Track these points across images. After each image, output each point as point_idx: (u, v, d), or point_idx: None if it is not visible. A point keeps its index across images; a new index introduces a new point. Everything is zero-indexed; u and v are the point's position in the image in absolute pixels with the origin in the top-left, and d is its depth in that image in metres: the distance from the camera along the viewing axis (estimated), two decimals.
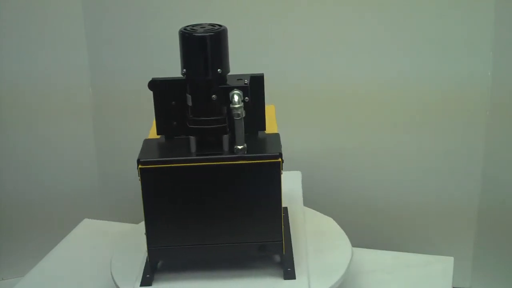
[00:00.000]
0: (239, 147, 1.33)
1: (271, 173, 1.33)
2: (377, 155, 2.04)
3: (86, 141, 2.17)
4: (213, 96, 1.34)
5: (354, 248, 1.60)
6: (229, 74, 1.40)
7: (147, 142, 1.43)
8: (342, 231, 1.61)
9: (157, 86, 1.39)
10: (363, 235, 1.96)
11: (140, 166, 1.32)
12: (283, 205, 1.64)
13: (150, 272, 1.41)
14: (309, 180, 1.90)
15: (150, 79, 1.40)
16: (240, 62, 1.84)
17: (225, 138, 1.36)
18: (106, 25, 2.08)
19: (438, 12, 1.88)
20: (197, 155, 1.35)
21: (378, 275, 1.73)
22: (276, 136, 1.42)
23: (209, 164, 1.33)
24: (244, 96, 1.34)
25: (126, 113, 2.12)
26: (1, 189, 2.13)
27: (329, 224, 1.66)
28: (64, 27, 2.06)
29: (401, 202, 2.04)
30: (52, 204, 2.18)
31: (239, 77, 1.39)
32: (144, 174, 1.33)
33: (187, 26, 1.35)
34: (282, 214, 1.37)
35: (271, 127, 1.47)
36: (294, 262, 1.44)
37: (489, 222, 2.00)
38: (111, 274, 1.46)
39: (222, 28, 1.35)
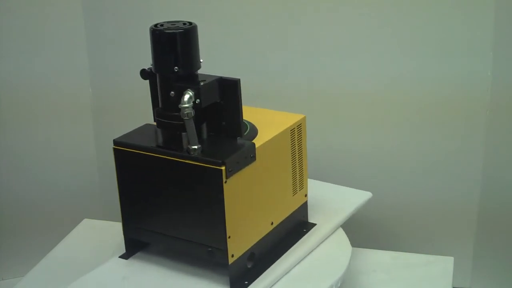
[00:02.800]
0: (190, 147, 1.33)
1: (213, 180, 1.32)
2: (377, 155, 2.04)
3: (86, 141, 2.17)
4: (171, 92, 1.36)
5: (354, 248, 1.59)
6: (207, 74, 1.40)
7: (144, 126, 1.50)
8: (347, 263, 1.51)
9: (147, 75, 1.43)
10: (363, 235, 1.97)
11: (113, 146, 1.43)
12: (313, 220, 1.63)
13: (128, 248, 1.52)
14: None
15: None
16: (247, 64, 1.84)
17: (184, 135, 1.37)
18: (106, 25, 2.08)
19: (439, 13, 1.88)
20: (157, 147, 1.39)
21: (378, 275, 1.73)
22: (248, 146, 1.38)
23: (159, 157, 1.37)
24: (195, 98, 1.33)
25: (126, 113, 2.12)
26: (1, 189, 2.13)
27: (343, 253, 1.55)
28: (64, 28, 2.06)
29: (401, 202, 2.04)
30: (52, 204, 2.17)
31: (210, 78, 1.38)
32: (116, 155, 1.45)
33: (165, 22, 1.38)
34: (226, 223, 1.34)
35: (265, 135, 1.45)
36: (260, 277, 1.42)
37: (489, 222, 2.00)
38: None
39: (184, 27, 1.35)
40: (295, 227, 1.59)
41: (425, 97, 1.95)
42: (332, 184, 1.82)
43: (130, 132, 1.48)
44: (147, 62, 2.06)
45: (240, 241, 1.39)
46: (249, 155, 1.37)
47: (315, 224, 1.62)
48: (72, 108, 2.13)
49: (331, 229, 1.61)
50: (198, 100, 1.33)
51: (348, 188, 1.81)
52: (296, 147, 1.54)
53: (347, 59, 1.97)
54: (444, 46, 1.90)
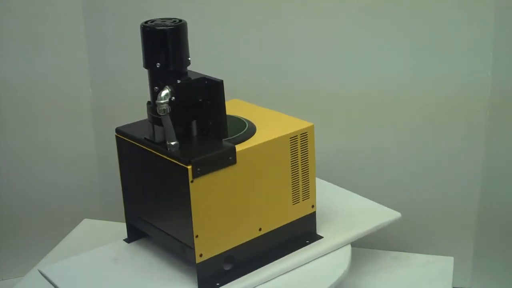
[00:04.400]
0: (168, 143, 1.36)
1: (180, 179, 1.33)
2: (377, 155, 2.04)
3: (86, 141, 2.17)
4: (155, 88, 1.38)
5: (354, 248, 1.59)
6: (197, 72, 1.41)
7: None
8: (333, 281, 1.45)
9: None
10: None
11: (115, 134, 1.51)
12: (323, 232, 1.58)
13: (129, 233, 1.59)
14: None
15: None
16: (247, 64, 1.83)
17: (162, 129, 1.41)
18: (106, 25, 2.08)
19: (439, 12, 1.88)
20: (145, 139, 1.43)
21: (378, 275, 1.73)
22: (227, 149, 1.36)
23: (144, 149, 1.42)
24: (171, 95, 1.35)
25: (126, 113, 2.11)
26: (1, 189, 2.13)
27: (335, 271, 1.48)
28: (64, 28, 2.06)
29: (401, 202, 2.04)
30: (52, 204, 2.17)
31: (194, 77, 1.40)
32: (117, 142, 1.52)
33: (158, 18, 1.41)
34: (194, 224, 1.34)
35: (258, 139, 1.43)
36: (235, 281, 1.41)
37: (489, 222, 2.00)
38: None
39: (169, 24, 1.37)
40: (298, 237, 1.54)
41: (425, 97, 1.95)
42: (362, 197, 1.76)
43: (134, 122, 1.53)
44: None
45: (211, 242, 1.38)
46: (227, 158, 1.36)
47: (321, 237, 1.56)
48: (72, 108, 2.13)
49: (337, 245, 1.55)
50: (173, 98, 1.35)
51: (378, 204, 1.73)
52: (299, 155, 1.50)
53: (347, 59, 1.96)
54: (444, 46, 1.90)
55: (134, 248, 1.57)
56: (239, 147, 1.39)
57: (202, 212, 1.35)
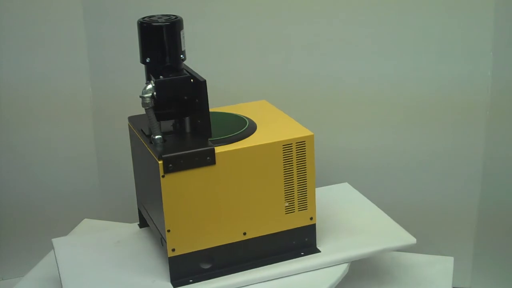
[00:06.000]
0: (152, 136, 1.40)
1: (155, 173, 1.35)
2: (377, 155, 2.04)
3: (86, 141, 2.17)
4: (147, 82, 1.41)
5: None
6: (192, 70, 1.43)
7: None
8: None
9: None
10: None
11: (128, 123, 1.56)
12: (324, 246, 1.52)
13: (140, 219, 1.65)
14: None
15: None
16: (247, 64, 1.82)
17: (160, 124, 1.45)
18: (106, 25, 2.08)
19: (438, 13, 1.88)
20: (141, 130, 1.48)
21: (378, 275, 1.73)
22: (204, 149, 1.35)
23: (139, 139, 1.47)
24: (153, 91, 1.37)
25: (126, 113, 2.11)
26: (1, 189, 2.13)
27: (332, 278, 1.44)
28: (64, 28, 2.06)
29: (401, 202, 2.04)
30: (52, 204, 2.17)
31: (181, 75, 1.41)
32: (129, 130, 1.56)
33: (160, 14, 1.45)
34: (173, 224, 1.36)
35: (250, 142, 1.41)
36: (210, 280, 1.40)
37: (489, 222, 2.00)
38: None
39: (160, 21, 1.40)
40: (292, 248, 1.48)
41: (425, 97, 1.95)
42: (385, 214, 1.70)
43: (142, 115, 1.53)
44: None
45: (185, 238, 1.38)
46: (204, 158, 1.35)
47: (319, 251, 1.50)
48: (72, 108, 2.13)
49: (332, 262, 1.48)
50: (154, 93, 1.37)
51: (397, 225, 1.63)
52: (295, 164, 1.43)
53: (347, 60, 1.97)
54: (444, 46, 1.90)
55: (140, 234, 1.61)
56: (220, 149, 1.37)
57: (174, 208, 1.36)
